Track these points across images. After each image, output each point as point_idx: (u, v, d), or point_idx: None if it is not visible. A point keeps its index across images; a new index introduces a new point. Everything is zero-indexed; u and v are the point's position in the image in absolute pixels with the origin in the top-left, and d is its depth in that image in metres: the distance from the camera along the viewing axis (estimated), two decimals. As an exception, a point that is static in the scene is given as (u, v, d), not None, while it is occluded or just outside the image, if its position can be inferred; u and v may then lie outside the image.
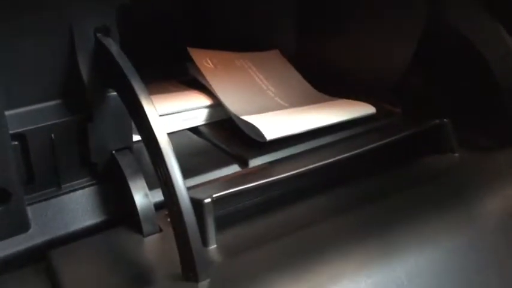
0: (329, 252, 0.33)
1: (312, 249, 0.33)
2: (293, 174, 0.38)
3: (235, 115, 0.49)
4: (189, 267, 0.31)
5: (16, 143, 0.34)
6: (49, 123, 0.35)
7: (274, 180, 0.38)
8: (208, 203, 0.35)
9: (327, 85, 0.57)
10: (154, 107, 0.32)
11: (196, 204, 0.34)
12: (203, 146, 0.48)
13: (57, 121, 0.35)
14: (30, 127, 0.35)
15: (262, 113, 0.49)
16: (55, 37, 0.34)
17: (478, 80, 0.45)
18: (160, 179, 0.32)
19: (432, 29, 0.47)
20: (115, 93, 0.36)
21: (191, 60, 0.55)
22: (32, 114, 0.35)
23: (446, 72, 0.48)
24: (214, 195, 0.35)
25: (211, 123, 0.52)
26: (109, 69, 0.34)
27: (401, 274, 0.32)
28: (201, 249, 0.31)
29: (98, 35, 0.35)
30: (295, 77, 0.58)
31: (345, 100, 0.53)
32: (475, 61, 0.44)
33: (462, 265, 0.34)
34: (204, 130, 0.51)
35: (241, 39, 0.62)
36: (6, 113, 0.33)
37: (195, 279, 0.31)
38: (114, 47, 0.34)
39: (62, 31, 0.34)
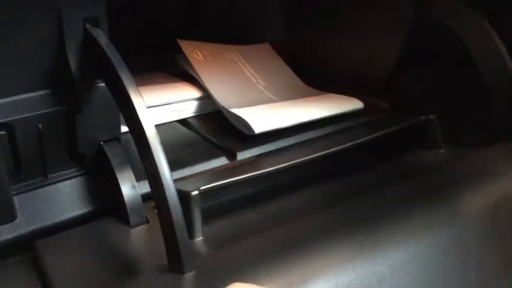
0: (314, 245, 0.33)
1: (298, 243, 0.34)
2: (280, 167, 0.38)
3: (224, 108, 0.49)
4: (175, 258, 0.31)
5: (3, 132, 0.34)
6: (37, 113, 0.35)
7: (261, 173, 0.38)
8: (195, 195, 0.35)
9: (316, 79, 0.58)
10: (142, 99, 0.32)
11: (184, 196, 0.34)
12: (192, 138, 0.48)
13: (45, 111, 0.35)
14: (18, 117, 0.34)
15: (251, 106, 0.49)
16: (44, 27, 0.34)
17: (465, 77, 0.45)
18: (148, 171, 0.32)
19: (420, 25, 0.48)
20: (103, 84, 0.36)
21: (181, 52, 0.55)
22: (20, 104, 0.35)
23: (434, 68, 0.49)
24: (201, 188, 0.35)
25: (200, 115, 0.52)
26: (98, 61, 0.34)
27: (384, 268, 0.33)
28: (187, 241, 0.31)
29: (87, 26, 0.34)
30: (284, 71, 0.59)
31: (333, 95, 0.53)
32: (461, 58, 0.45)
33: (444, 260, 0.35)
34: (193, 122, 0.51)
35: (231, 31, 0.62)
36: (-6, 102, 0.33)
37: (181, 271, 0.31)
38: (103, 39, 0.34)
39: (51, 21, 0.34)
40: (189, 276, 0.31)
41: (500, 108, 0.44)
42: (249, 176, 0.37)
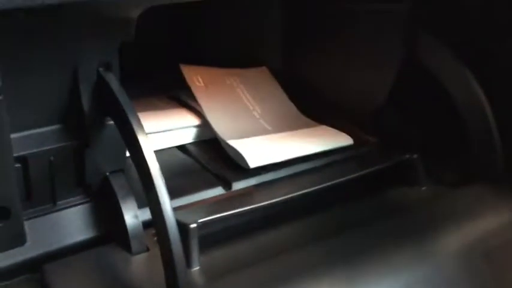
0: (303, 279, 0.36)
1: (290, 276, 0.36)
2: (274, 202, 0.42)
3: (221, 138, 0.52)
4: (173, 287, 0.34)
5: (19, 165, 0.37)
6: (49, 147, 0.38)
7: (256, 207, 0.41)
8: (193, 227, 0.38)
9: (311, 105, 0.60)
10: (148, 139, 0.35)
11: (182, 228, 0.37)
12: (190, 165, 0.51)
13: (57, 146, 0.38)
14: (32, 151, 0.37)
15: (247, 136, 0.52)
16: (61, 70, 0.37)
17: (448, 120, 0.48)
18: (150, 204, 0.35)
19: (410, 68, 0.51)
20: (111, 121, 0.39)
21: (183, 77, 0.58)
22: (34, 138, 0.38)
23: (419, 108, 0.52)
24: (199, 221, 0.38)
25: (199, 142, 0.54)
26: (108, 101, 0.37)
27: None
28: (185, 271, 0.34)
29: (100, 69, 0.37)
30: (281, 98, 0.61)
31: (326, 128, 0.56)
32: (446, 103, 0.48)
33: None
34: (192, 148, 0.53)
35: (230, 53, 0.65)
36: (11, 136, 0.36)
37: (178, 300, 0.34)
38: (114, 82, 0.37)
39: (68, 65, 0.37)
40: (185, 304, 0.34)
41: (479, 150, 0.47)
42: (245, 210, 0.40)
